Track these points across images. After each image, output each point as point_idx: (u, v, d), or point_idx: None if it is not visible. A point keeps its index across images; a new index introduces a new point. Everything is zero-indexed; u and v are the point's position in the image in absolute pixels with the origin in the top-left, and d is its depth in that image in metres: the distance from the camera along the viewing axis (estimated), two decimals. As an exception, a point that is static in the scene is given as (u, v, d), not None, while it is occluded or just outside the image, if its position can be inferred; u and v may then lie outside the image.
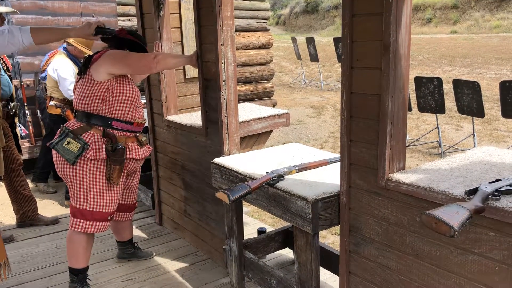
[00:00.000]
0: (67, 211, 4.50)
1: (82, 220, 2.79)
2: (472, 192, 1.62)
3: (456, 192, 1.69)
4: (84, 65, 2.77)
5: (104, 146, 2.71)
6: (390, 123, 1.88)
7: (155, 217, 4.08)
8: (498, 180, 1.68)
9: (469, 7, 28.71)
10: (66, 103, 4.58)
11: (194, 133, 3.23)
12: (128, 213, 3.20)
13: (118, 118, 2.78)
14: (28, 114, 5.45)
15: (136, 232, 3.84)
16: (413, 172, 1.95)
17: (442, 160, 2.10)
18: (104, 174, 2.75)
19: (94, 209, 2.78)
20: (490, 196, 1.58)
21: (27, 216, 4.02)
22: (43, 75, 5.05)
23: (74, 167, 2.71)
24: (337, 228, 4.01)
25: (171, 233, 3.85)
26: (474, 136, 6.31)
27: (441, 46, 20.21)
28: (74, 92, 2.88)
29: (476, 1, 28.65)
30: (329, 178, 2.35)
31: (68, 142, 2.68)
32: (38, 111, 5.50)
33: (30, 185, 4.76)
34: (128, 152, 2.82)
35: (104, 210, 2.81)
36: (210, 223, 3.29)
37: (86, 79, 2.74)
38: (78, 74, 2.81)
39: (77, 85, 2.83)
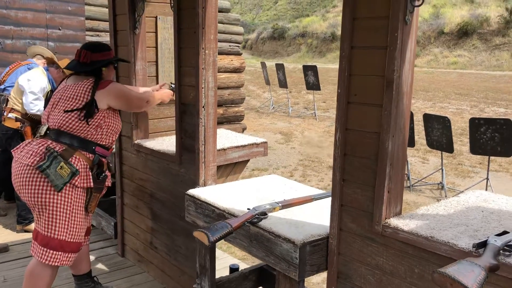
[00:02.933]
0: (18, 237, 4.13)
1: (59, 252, 2.58)
2: (481, 245, 1.50)
3: (462, 244, 1.57)
4: (90, 108, 2.60)
5: (90, 173, 2.60)
6: (389, 164, 1.75)
7: (117, 247, 3.78)
8: (505, 232, 1.57)
9: (429, 42, 30.00)
10: (27, 118, 4.28)
11: (166, 160, 3.02)
12: (87, 237, 2.94)
13: (101, 143, 2.69)
14: (-18, 128, 5.05)
15: (95, 264, 3.53)
16: (411, 218, 1.82)
17: (438, 205, 1.99)
18: (83, 202, 2.64)
19: (73, 240, 2.62)
20: (501, 251, 1.46)
21: (-28, 242, 3.64)
22: (2, 87, 4.73)
23: (59, 194, 2.52)
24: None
25: (134, 265, 3.56)
26: (442, 170, 6.37)
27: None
28: (47, 109, 2.71)
29: (435, 37, 29.99)
30: (315, 217, 2.19)
31: (61, 167, 2.49)
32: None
33: (-22, 206, 4.36)
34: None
35: (79, 240, 2.67)
36: (178, 258, 3.04)
37: None
38: (84, 118, 2.59)
39: (59, 103, 2.64)
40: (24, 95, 4.23)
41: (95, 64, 2.69)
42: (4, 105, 4.48)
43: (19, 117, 4.29)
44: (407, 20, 1.66)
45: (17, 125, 4.30)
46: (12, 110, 4.31)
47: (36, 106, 4.19)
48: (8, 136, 4.37)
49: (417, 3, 1.66)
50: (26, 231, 4.28)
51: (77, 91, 2.63)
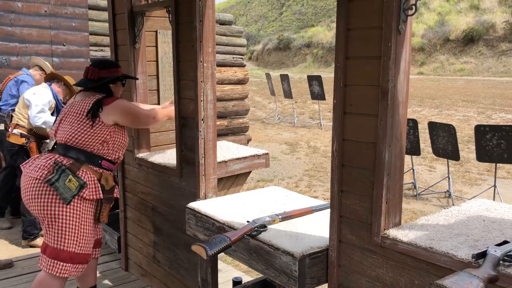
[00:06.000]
0: (23, 252, 4.14)
1: (68, 264, 2.60)
2: (480, 256, 1.47)
3: (461, 254, 1.54)
4: (95, 109, 2.62)
5: (99, 185, 2.64)
6: (386, 174, 1.73)
7: (121, 262, 3.77)
8: (505, 242, 1.54)
9: (435, 50, 29.96)
10: (32, 133, 4.33)
11: (168, 173, 3.01)
12: (97, 249, 2.95)
13: (108, 158, 2.72)
14: (-13, 145, 5.09)
15: (99, 278, 3.51)
16: (410, 229, 1.79)
17: (438, 215, 1.96)
18: (92, 213, 2.67)
19: (81, 251, 2.65)
20: (500, 262, 1.43)
21: (-23, 258, 3.65)
22: None
23: (67, 206, 2.55)
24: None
25: (138, 280, 3.54)
26: (449, 178, 6.30)
27: (409, 86, 20.75)
28: (58, 124, 2.72)
29: (441, 45, 29.94)
30: (315, 229, 2.17)
31: (70, 180, 2.53)
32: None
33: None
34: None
35: (88, 252, 2.69)
36: (181, 271, 3.03)
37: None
38: (86, 115, 2.62)
39: (67, 118, 2.66)
40: (29, 109, 4.28)
41: (102, 80, 2.72)
42: (9, 121, 4.52)
43: (24, 133, 4.33)
44: (401, 29, 1.65)
45: (22, 141, 4.33)
46: (17, 126, 4.35)
47: (41, 119, 4.24)
48: (13, 152, 4.40)
49: (410, 12, 1.65)
50: (31, 246, 4.30)
51: (83, 106, 2.65)
